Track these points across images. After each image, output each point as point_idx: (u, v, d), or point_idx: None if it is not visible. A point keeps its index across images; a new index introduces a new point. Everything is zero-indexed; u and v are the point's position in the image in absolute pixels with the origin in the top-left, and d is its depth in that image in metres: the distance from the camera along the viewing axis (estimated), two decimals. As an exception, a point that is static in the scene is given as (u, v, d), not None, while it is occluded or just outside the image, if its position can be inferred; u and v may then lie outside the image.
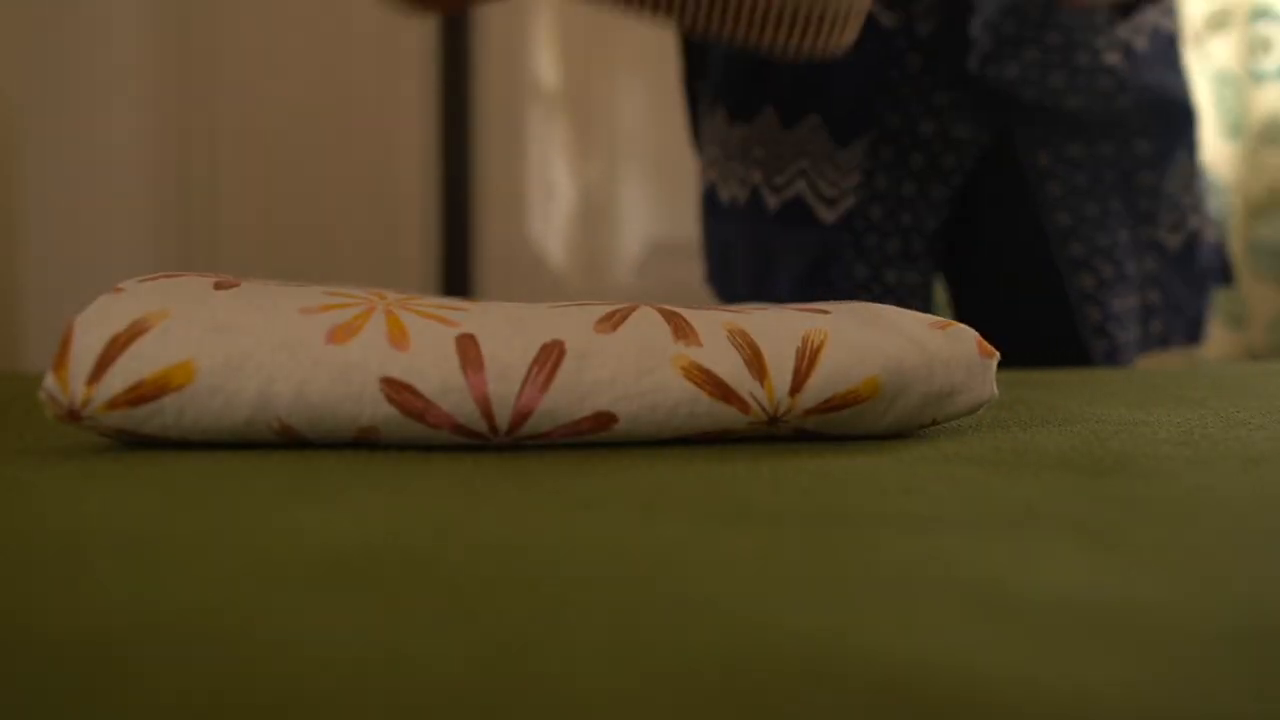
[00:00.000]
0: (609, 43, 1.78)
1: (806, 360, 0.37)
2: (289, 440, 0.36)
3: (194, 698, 0.15)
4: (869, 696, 0.16)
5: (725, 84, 0.87)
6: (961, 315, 0.90)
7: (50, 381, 0.35)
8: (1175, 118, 0.84)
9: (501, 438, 0.36)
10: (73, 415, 0.35)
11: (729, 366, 0.36)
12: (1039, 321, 0.85)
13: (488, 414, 0.35)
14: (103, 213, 1.58)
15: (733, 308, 0.40)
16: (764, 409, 0.37)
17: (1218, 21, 1.59)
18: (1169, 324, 0.86)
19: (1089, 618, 0.19)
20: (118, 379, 0.34)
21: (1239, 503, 0.29)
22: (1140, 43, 0.82)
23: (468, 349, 0.35)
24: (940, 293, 0.98)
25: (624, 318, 0.37)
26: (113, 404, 0.34)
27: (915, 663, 0.17)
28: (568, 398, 0.35)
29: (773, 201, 0.83)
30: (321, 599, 0.20)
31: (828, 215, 0.82)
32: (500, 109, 1.72)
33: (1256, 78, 1.56)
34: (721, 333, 0.37)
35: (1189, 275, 0.86)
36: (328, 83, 1.67)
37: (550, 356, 0.35)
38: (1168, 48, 0.85)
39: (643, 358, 0.36)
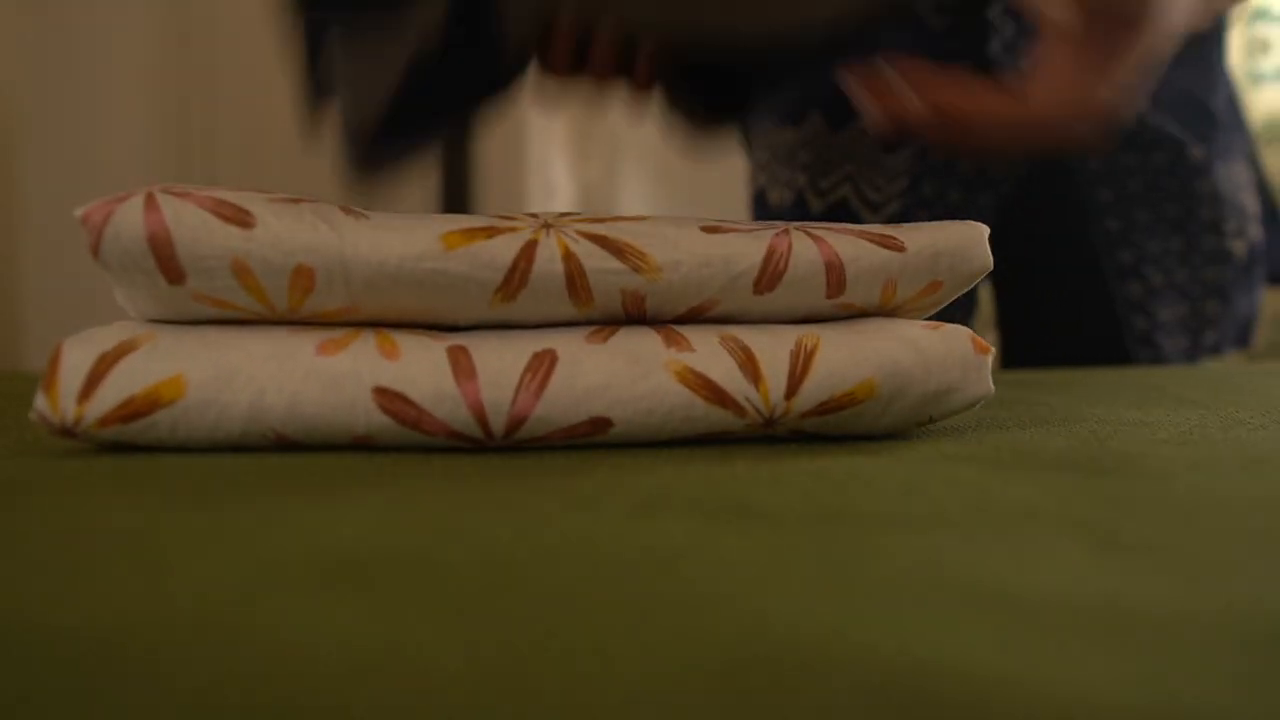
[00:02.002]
0: (608, 43, 1.78)
1: (801, 363, 0.37)
2: (286, 446, 0.36)
3: (194, 697, 0.15)
4: (869, 696, 0.16)
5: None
6: (1005, 321, 0.88)
7: (40, 401, 0.35)
8: (1218, 123, 0.82)
9: (498, 442, 0.36)
10: (66, 432, 0.35)
11: (723, 371, 0.36)
12: (1084, 329, 0.83)
13: (482, 420, 0.35)
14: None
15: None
16: (759, 412, 0.37)
17: (1217, 22, 1.59)
18: (1223, 332, 0.84)
19: (1089, 617, 0.19)
20: (108, 396, 0.34)
21: (1238, 503, 0.29)
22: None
23: (459, 358, 0.35)
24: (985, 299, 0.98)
25: (613, 331, 0.37)
26: (104, 421, 0.34)
27: (915, 662, 0.17)
28: (562, 403, 0.35)
29: (816, 205, 0.82)
30: (321, 599, 0.20)
31: (872, 220, 0.81)
32: (500, 108, 1.72)
33: (1255, 78, 1.56)
34: (713, 339, 0.37)
35: (1252, 280, 0.84)
36: (327, 83, 1.67)
37: (543, 364, 0.35)
38: (1193, 49, 0.81)
39: (635, 364, 0.36)
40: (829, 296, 0.38)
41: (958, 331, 0.39)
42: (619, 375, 0.36)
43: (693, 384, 0.36)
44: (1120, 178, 0.80)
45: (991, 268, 0.40)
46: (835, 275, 0.38)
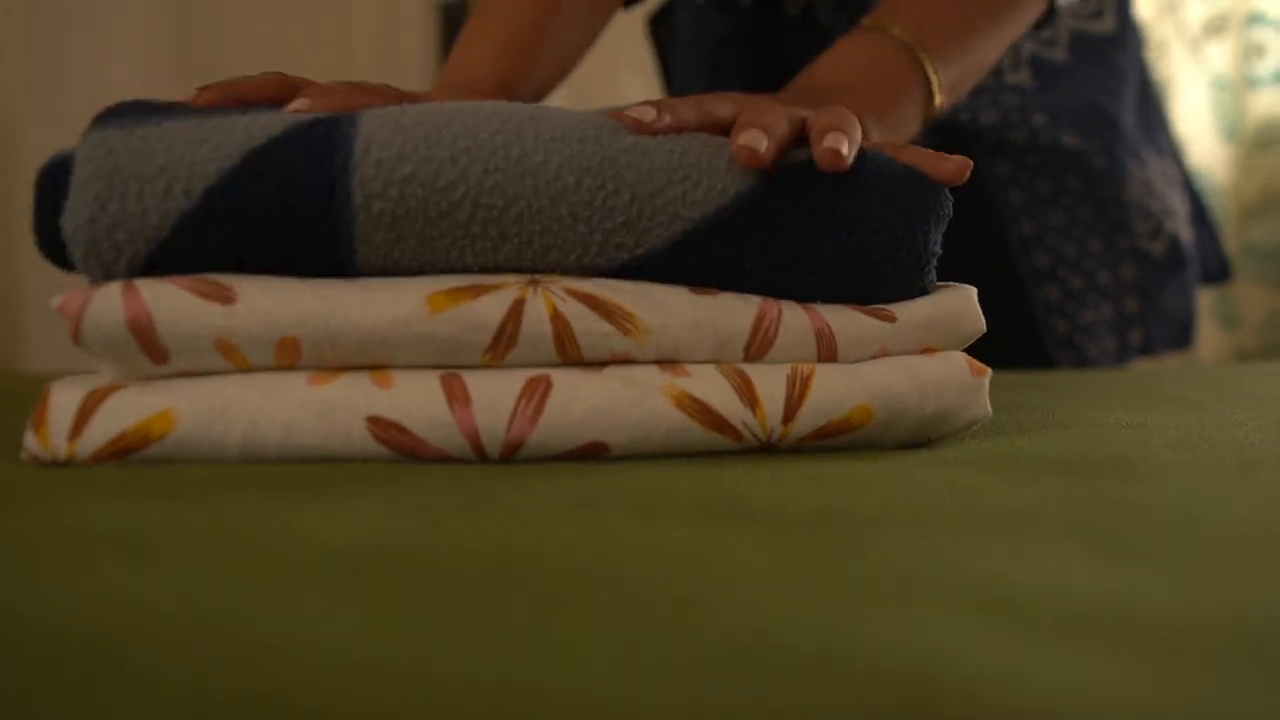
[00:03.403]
0: (609, 42, 1.78)
1: (798, 389, 0.36)
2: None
3: (193, 697, 0.15)
4: (868, 696, 0.16)
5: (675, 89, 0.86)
6: None
7: (31, 441, 0.34)
8: (1123, 130, 0.81)
9: (494, 460, 0.36)
10: (57, 468, 0.35)
11: (719, 396, 0.36)
12: (1003, 333, 0.83)
13: (478, 447, 0.35)
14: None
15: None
16: (757, 437, 0.36)
17: (1214, 27, 1.59)
18: (1152, 332, 0.84)
19: (1087, 619, 0.19)
20: (98, 433, 0.34)
21: (1237, 505, 0.29)
22: (1058, 54, 0.79)
23: (453, 385, 0.35)
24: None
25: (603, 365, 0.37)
26: (96, 458, 0.34)
27: (914, 663, 0.17)
28: (558, 429, 0.35)
29: None
30: (321, 599, 0.20)
31: None
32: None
33: (1252, 82, 1.57)
34: (708, 365, 0.37)
35: (1179, 280, 0.84)
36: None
37: (537, 389, 0.35)
38: (1097, 54, 0.81)
39: (631, 388, 0.35)
40: (821, 362, 0.38)
41: (953, 356, 0.39)
42: (615, 400, 0.35)
43: (689, 409, 0.36)
44: (1029, 181, 0.80)
45: (984, 330, 0.40)
46: (825, 343, 0.37)
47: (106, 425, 0.34)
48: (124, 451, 0.34)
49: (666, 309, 0.36)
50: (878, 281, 0.38)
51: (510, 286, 0.35)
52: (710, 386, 0.36)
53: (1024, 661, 0.17)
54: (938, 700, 0.16)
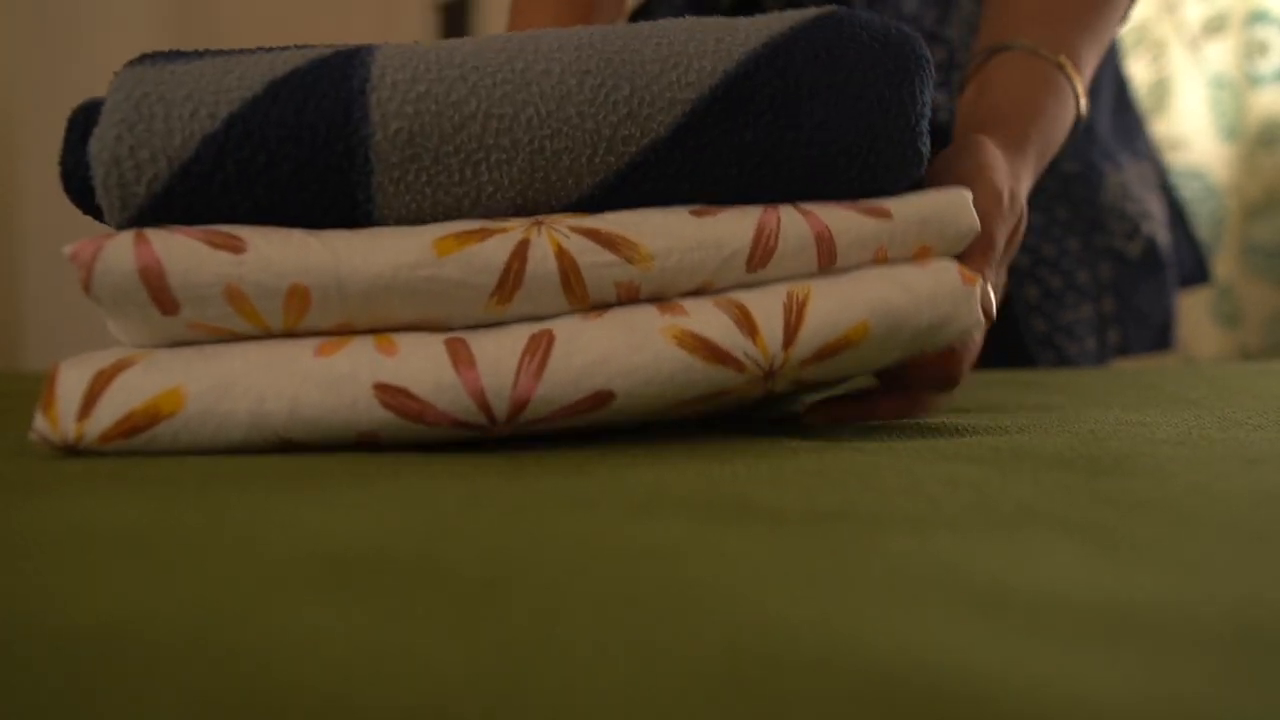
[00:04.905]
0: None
1: (795, 313, 0.37)
2: (290, 448, 0.36)
3: (193, 697, 0.15)
4: (867, 696, 0.16)
5: None
6: None
7: (40, 422, 0.35)
8: (1095, 137, 0.81)
9: (501, 428, 0.36)
10: (68, 450, 0.35)
11: (719, 328, 0.36)
12: (985, 332, 0.83)
13: (485, 407, 0.35)
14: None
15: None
16: (759, 365, 0.37)
17: (1215, 25, 1.59)
18: (1128, 333, 0.84)
19: (1088, 617, 0.19)
20: (106, 413, 0.34)
21: (1237, 502, 0.29)
22: None
23: (457, 348, 0.35)
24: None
25: (607, 308, 0.37)
26: (105, 438, 0.34)
27: (913, 662, 0.17)
28: (562, 381, 0.35)
29: None
30: (321, 599, 0.20)
31: None
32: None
33: (1253, 81, 1.56)
34: (706, 301, 0.37)
35: (1155, 281, 0.84)
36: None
37: (540, 344, 0.35)
38: None
39: (632, 333, 0.36)
40: (821, 267, 0.39)
41: (945, 265, 0.40)
42: (617, 346, 0.36)
43: (690, 346, 0.36)
44: None
45: (979, 229, 0.41)
46: (825, 247, 0.38)
47: (115, 405, 0.34)
48: (133, 430, 0.34)
49: (668, 232, 0.37)
50: (873, 147, 0.38)
51: (515, 229, 0.36)
52: (709, 321, 0.37)
53: (1023, 659, 0.17)
54: (937, 700, 0.16)
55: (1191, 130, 1.56)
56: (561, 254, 0.36)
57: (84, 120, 0.37)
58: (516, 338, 0.36)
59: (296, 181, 0.36)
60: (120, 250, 0.34)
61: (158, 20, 1.64)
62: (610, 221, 0.37)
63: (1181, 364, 1.43)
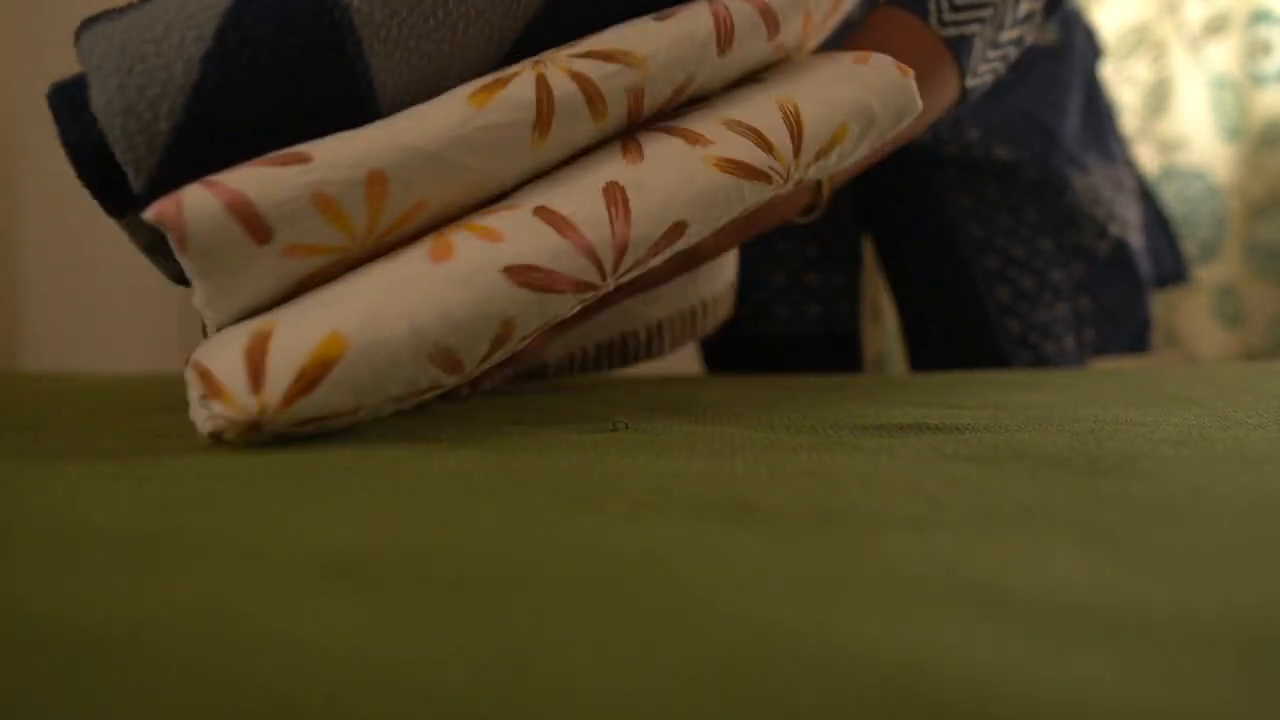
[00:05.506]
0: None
1: (796, 126, 0.44)
2: (445, 369, 0.37)
3: (193, 697, 0.16)
4: (867, 696, 0.16)
5: None
6: (902, 318, 0.89)
7: (218, 408, 0.35)
8: (1060, 141, 0.82)
9: (610, 281, 0.39)
10: (254, 427, 0.35)
11: (745, 150, 0.42)
12: (960, 335, 0.83)
13: (596, 261, 0.38)
14: (103, 212, 1.57)
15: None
16: (780, 175, 0.43)
17: (1217, 25, 1.59)
18: (1103, 332, 0.84)
19: (1087, 617, 0.19)
20: (279, 377, 0.34)
21: (1237, 502, 0.29)
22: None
23: (550, 217, 0.38)
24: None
25: (637, 147, 0.42)
26: (287, 400, 0.34)
27: (914, 662, 0.17)
28: (646, 222, 0.39)
29: None
30: (321, 599, 0.20)
31: None
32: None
33: (1256, 80, 1.56)
34: (718, 126, 0.43)
35: (1126, 281, 0.84)
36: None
37: (616, 194, 0.39)
38: (1038, 66, 0.82)
39: (682, 167, 0.41)
40: (770, 38, 0.45)
41: (882, 60, 0.47)
42: (675, 181, 0.41)
43: (730, 169, 0.42)
44: (973, 185, 0.81)
45: None
46: (769, 17, 0.45)
47: (283, 367, 0.35)
48: (311, 384, 0.34)
49: (647, 37, 0.42)
50: None
51: (524, 72, 0.40)
52: (735, 145, 0.42)
53: (1024, 659, 0.17)
54: (937, 699, 0.16)
55: (1193, 130, 1.56)
56: (575, 75, 0.40)
57: (67, 99, 0.38)
58: (590, 194, 0.39)
59: (299, 69, 0.38)
60: (199, 197, 0.35)
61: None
62: (598, 40, 0.41)
63: (1182, 363, 1.43)
